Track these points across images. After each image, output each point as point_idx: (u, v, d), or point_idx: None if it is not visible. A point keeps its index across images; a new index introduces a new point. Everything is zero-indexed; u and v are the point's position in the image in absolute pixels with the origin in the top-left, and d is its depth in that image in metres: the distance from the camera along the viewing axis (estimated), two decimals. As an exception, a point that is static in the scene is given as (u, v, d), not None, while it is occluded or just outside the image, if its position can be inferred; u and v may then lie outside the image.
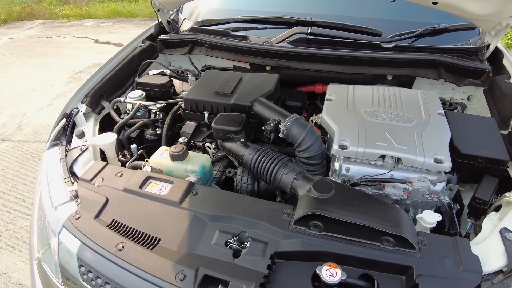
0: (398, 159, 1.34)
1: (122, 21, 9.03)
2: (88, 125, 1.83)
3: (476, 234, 1.42)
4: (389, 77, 1.87)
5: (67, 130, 1.74)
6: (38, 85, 5.65)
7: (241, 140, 1.46)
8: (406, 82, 1.90)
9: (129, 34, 7.76)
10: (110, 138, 1.66)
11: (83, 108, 1.86)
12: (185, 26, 2.52)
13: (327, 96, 1.65)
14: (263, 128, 1.47)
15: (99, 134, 1.81)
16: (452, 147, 1.43)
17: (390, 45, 1.86)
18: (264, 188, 1.54)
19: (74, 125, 1.81)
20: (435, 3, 1.59)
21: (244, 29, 2.25)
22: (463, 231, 1.43)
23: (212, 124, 1.50)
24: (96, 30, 8.38)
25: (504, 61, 1.86)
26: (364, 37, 1.94)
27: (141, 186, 1.29)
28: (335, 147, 1.35)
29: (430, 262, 0.99)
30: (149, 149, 1.87)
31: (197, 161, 1.41)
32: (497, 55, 1.92)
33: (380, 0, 2.14)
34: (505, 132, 1.56)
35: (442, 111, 1.54)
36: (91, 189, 1.33)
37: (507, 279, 0.99)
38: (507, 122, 1.56)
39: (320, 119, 1.57)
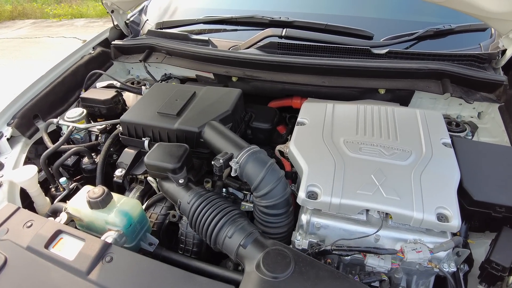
0: (388, 213, 0.98)
1: (113, 21, 8.72)
2: (13, 153, 1.50)
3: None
4: (382, 91, 1.50)
5: None
6: (20, 89, 5.34)
7: (179, 182, 1.11)
8: (403, 97, 1.52)
9: (118, 34, 7.45)
10: (29, 173, 1.33)
11: (8, 132, 1.52)
12: (147, 29, 2.17)
13: (299, 119, 1.29)
14: (212, 163, 1.11)
15: (25, 164, 1.48)
16: (462, 191, 1.07)
17: (383, 51, 1.49)
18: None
19: None
20: (439, -3, 1.22)
21: (210, 31, 1.89)
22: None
23: (145, 159, 1.15)
24: (86, 30, 8.05)
25: (526, 71, 1.49)
26: (351, 40, 1.57)
27: (48, 244, 1.02)
28: (301, 194, 0.99)
29: None
30: (87, 180, 1.53)
31: (121, 210, 1.06)
32: (515, 63, 1.54)
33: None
34: (530, 166, 1.19)
35: (449, 140, 1.17)
36: None
37: None
38: (533, 153, 1.19)
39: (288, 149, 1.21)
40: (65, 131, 1.59)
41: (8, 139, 1.52)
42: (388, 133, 1.18)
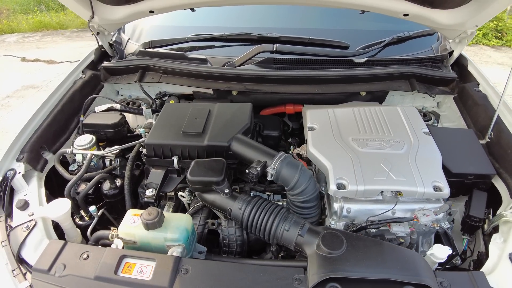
0: (397, 192, 1.25)
1: (50, 34, 8.08)
2: (31, 189, 1.46)
3: (470, 248, 1.42)
4: (363, 93, 1.79)
5: (4, 200, 1.37)
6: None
7: (225, 192, 1.26)
8: (379, 96, 1.84)
9: (60, 48, 6.98)
10: (63, 207, 1.32)
11: (21, 167, 1.49)
12: (131, 48, 2.22)
13: (309, 125, 1.52)
14: (248, 171, 1.28)
15: (46, 197, 1.47)
16: (443, 167, 1.39)
17: (363, 60, 1.79)
18: (255, 237, 1.36)
19: (12, 191, 1.44)
20: (406, 15, 1.54)
21: (200, 48, 2.02)
22: (457, 243, 1.41)
23: (188, 176, 1.28)
24: (21, 46, 7.36)
25: (470, 68, 1.89)
26: (333, 52, 1.84)
27: (116, 270, 1.04)
28: (332, 187, 1.22)
29: None
30: (109, 205, 1.58)
31: (178, 226, 1.17)
32: (461, 61, 1.95)
33: (344, 10, 2.05)
34: (483, 142, 1.56)
35: (427, 129, 1.49)
36: (53, 283, 1.04)
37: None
38: (484, 132, 1.57)
39: (305, 151, 1.43)
40: (79, 159, 1.62)
41: (22, 175, 1.50)
42: (382, 129, 1.46)
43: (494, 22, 7.15)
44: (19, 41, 7.60)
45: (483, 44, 7.05)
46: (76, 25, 8.33)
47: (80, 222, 1.50)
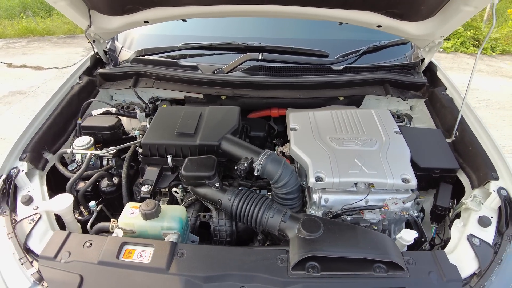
0: (370, 184, 1.40)
1: (37, 40, 8.05)
2: (34, 186, 1.55)
3: (439, 236, 1.57)
4: (341, 98, 1.96)
5: (8, 196, 1.46)
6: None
7: (216, 185, 1.39)
8: (356, 100, 2.01)
9: (47, 55, 6.98)
10: (66, 201, 1.42)
11: (23, 166, 1.58)
12: (124, 55, 2.34)
13: (291, 126, 1.66)
14: (236, 167, 1.42)
15: (48, 193, 1.56)
16: (412, 163, 1.55)
17: (340, 67, 1.95)
18: (243, 228, 1.49)
19: (15, 188, 1.53)
20: (379, 26, 1.71)
21: (191, 56, 2.16)
22: (428, 233, 1.56)
23: (182, 171, 1.41)
24: (7, 52, 7.32)
25: (439, 74, 2.08)
26: (313, 60, 2.00)
27: (118, 255, 1.14)
28: (311, 180, 1.36)
29: (419, 279, 1.08)
30: (107, 201, 1.69)
31: (173, 216, 1.29)
32: (431, 68, 2.14)
33: (323, 22, 2.22)
34: (450, 140, 1.74)
35: (398, 129, 1.65)
36: (59, 268, 1.13)
37: (481, 280, 1.15)
38: (450, 131, 1.74)
39: (288, 149, 1.57)
40: (79, 159, 1.72)
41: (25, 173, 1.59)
42: (357, 129, 1.62)
43: (472, 31, 7.52)
44: (5, 47, 7.55)
45: (461, 52, 7.41)
46: (63, 31, 8.33)
47: (79, 218, 1.59)
